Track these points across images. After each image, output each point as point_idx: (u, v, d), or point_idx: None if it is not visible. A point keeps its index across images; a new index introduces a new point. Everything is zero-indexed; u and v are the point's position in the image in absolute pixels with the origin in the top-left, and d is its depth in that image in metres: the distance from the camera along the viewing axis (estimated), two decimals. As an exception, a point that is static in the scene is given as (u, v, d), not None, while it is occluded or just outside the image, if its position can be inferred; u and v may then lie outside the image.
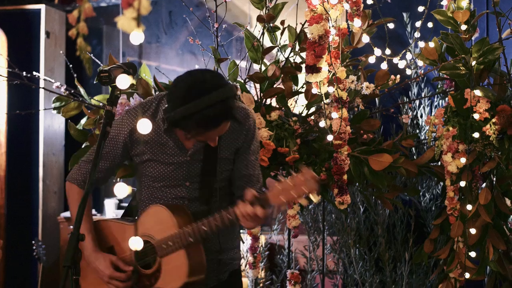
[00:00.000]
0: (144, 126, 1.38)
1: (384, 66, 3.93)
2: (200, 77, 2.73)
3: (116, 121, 3.03)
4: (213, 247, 3.03)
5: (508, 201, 3.80)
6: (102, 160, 3.03)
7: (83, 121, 4.08)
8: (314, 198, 2.66)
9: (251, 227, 2.88)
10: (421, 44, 4.03)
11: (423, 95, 5.11)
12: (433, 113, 4.44)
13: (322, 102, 3.73)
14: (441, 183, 4.40)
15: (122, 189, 1.47)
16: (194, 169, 2.99)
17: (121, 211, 6.45)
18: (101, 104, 4.00)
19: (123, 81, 1.54)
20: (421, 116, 5.09)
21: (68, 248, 2.37)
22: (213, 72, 2.81)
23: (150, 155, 3.00)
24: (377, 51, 3.86)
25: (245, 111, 3.03)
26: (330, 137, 3.64)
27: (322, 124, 3.77)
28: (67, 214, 6.74)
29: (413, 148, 4.81)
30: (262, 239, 5.99)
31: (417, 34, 4.10)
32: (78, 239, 2.37)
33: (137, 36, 1.37)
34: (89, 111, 4.02)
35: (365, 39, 3.82)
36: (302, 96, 3.94)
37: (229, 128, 2.91)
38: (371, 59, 3.91)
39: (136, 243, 1.40)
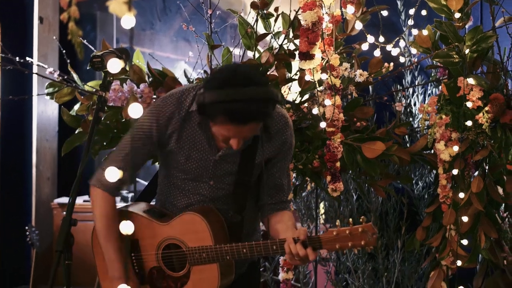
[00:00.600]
0: (135, 110, 1.38)
1: (377, 53, 3.93)
2: (245, 70, 2.61)
3: (151, 110, 2.88)
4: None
5: (500, 189, 3.81)
6: (133, 157, 2.89)
7: (76, 107, 4.07)
8: (369, 249, 2.61)
9: (294, 264, 2.79)
10: (415, 31, 4.03)
11: (416, 83, 5.12)
12: (426, 101, 4.45)
13: (316, 89, 3.73)
14: (434, 171, 4.41)
15: (113, 174, 1.47)
16: (221, 169, 2.89)
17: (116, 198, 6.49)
18: (94, 90, 3.99)
19: (114, 65, 1.53)
20: (415, 104, 5.10)
21: (60, 233, 2.38)
22: (260, 72, 2.70)
23: (177, 148, 2.88)
24: (370, 38, 3.86)
25: (284, 120, 2.90)
26: (323, 124, 3.64)
27: (315, 111, 3.77)
28: (60, 200, 6.75)
29: (406, 136, 4.82)
30: (255, 226, 6.00)
31: (410, 22, 4.10)
32: (70, 224, 2.37)
33: (128, 20, 1.36)
34: (82, 97, 4.01)
35: (358, 26, 3.82)
36: (295, 83, 3.94)
37: (267, 135, 2.84)
38: (364, 46, 3.91)
39: (127, 228, 1.40)
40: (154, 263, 2.91)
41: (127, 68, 3.93)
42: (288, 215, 2.96)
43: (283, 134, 2.90)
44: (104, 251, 2.89)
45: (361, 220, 2.58)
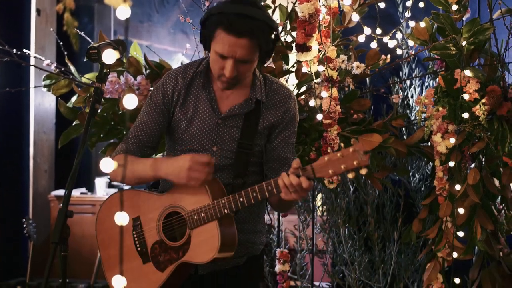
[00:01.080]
0: (130, 101, 1.38)
1: (374, 45, 3.93)
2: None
3: (160, 81, 2.99)
4: None
5: (496, 181, 3.81)
6: (150, 133, 2.95)
7: (73, 99, 4.08)
8: (363, 170, 2.52)
9: (291, 200, 2.66)
10: (412, 24, 4.03)
11: (414, 76, 5.12)
12: (423, 94, 4.45)
13: (313, 82, 3.73)
14: (431, 164, 4.42)
15: (107, 164, 1.47)
16: (224, 134, 2.90)
17: (113, 190, 6.50)
18: (91, 82, 3.99)
19: (109, 56, 1.53)
20: (412, 97, 5.10)
21: (56, 225, 2.37)
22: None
23: (181, 113, 2.93)
24: (367, 30, 3.86)
25: (287, 91, 2.97)
26: (319, 116, 3.64)
27: (312, 103, 3.77)
28: (57, 192, 6.75)
29: (403, 128, 4.82)
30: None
31: (407, 14, 4.10)
32: (66, 215, 2.37)
33: (123, 11, 1.36)
34: (79, 89, 4.01)
35: (355, 17, 3.81)
36: (293, 75, 3.93)
37: (269, 101, 2.91)
38: (361, 38, 3.91)
39: (121, 219, 1.40)
40: (155, 237, 2.86)
41: (124, 60, 3.93)
42: None
43: (285, 103, 2.94)
44: (154, 174, 2.85)
45: (352, 142, 2.54)
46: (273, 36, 2.78)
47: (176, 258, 2.82)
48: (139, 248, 2.90)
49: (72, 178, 2.43)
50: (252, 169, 2.95)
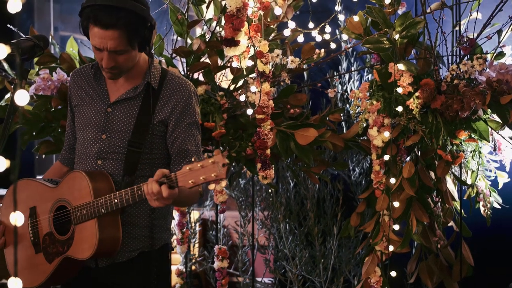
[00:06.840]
0: (21, 97, 1.33)
1: (301, 39, 3.94)
2: None
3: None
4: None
5: (432, 174, 3.84)
6: (74, 135, 3.10)
7: (7, 96, 4.01)
8: (223, 183, 2.51)
9: (157, 206, 2.67)
10: (341, 17, 4.06)
11: (351, 70, 5.12)
12: (361, 88, 4.46)
13: (246, 76, 3.71)
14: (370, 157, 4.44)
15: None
16: (115, 122, 2.91)
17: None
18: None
19: (-1, 51, 1.48)
20: (351, 91, 5.10)
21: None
22: None
23: (76, 108, 3.03)
24: (291, 24, 3.85)
25: (183, 81, 2.96)
26: (250, 111, 3.62)
27: (242, 98, 3.76)
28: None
29: (343, 123, 4.83)
30: (196, 214, 5.97)
31: (337, 8, 4.12)
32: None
33: (14, 5, 1.32)
34: (12, 86, 3.94)
35: (278, 11, 3.77)
36: (229, 70, 3.91)
37: (163, 90, 2.91)
38: (286, 32, 3.90)
39: (17, 219, 1.35)
40: (47, 229, 2.93)
41: (60, 56, 3.89)
42: None
43: (179, 92, 2.92)
44: None
45: (214, 153, 2.54)
46: (144, 23, 2.77)
47: (62, 252, 2.88)
48: (32, 238, 2.98)
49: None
50: (143, 166, 2.93)
